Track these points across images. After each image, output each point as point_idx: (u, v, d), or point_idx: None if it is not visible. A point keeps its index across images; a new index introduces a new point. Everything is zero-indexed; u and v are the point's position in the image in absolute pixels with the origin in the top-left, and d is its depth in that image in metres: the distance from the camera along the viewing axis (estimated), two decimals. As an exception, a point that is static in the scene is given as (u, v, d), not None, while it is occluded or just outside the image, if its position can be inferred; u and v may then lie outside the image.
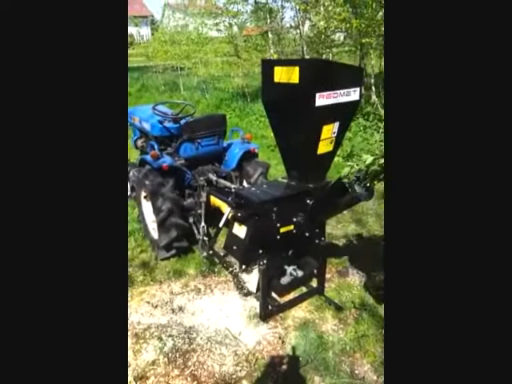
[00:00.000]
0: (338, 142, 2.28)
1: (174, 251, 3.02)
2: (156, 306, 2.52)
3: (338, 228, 3.50)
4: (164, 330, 2.29)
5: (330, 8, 6.63)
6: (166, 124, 3.44)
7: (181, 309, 2.50)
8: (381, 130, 5.39)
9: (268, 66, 2.20)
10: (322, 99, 2.00)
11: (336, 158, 2.37)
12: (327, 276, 2.65)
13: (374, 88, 7.88)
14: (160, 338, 2.22)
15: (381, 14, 6.62)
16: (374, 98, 7.77)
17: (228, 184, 3.10)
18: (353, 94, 2.15)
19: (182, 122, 3.43)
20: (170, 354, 2.12)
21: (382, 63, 10.29)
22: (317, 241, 2.43)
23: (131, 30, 21.76)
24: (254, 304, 2.49)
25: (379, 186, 4.15)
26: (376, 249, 3.02)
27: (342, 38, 8.66)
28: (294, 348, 2.16)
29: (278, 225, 2.23)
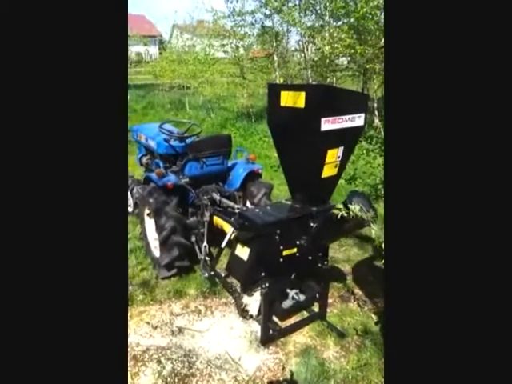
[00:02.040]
0: (343, 166, 2.29)
1: (175, 270, 3.00)
2: (156, 327, 2.48)
3: (341, 251, 3.48)
4: (163, 353, 2.25)
5: (334, 34, 6.80)
6: (172, 142, 3.48)
7: (180, 331, 2.46)
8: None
9: (274, 90, 2.24)
10: (328, 124, 2.02)
11: (339, 181, 2.39)
12: (329, 301, 2.62)
13: (376, 112, 7.98)
14: (159, 361, 2.18)
15: (383, 40, 6.79)
16: (376, 121, 7.87)
17: (231, 204, 3.10)
18: (357, 120, 2.17)
19: (188, 140, 3.48)
20: (168, 379, 2.07)
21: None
22: (320, 265, 2.41)
23: (140, 48, 22.30)
24: (254, 328, 2.45)
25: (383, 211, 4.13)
26: (379, 273, 2.99)
27: (345, 62, 8.84)
28: (294, 375, 2.11)
29: (281, 247, 2.21)
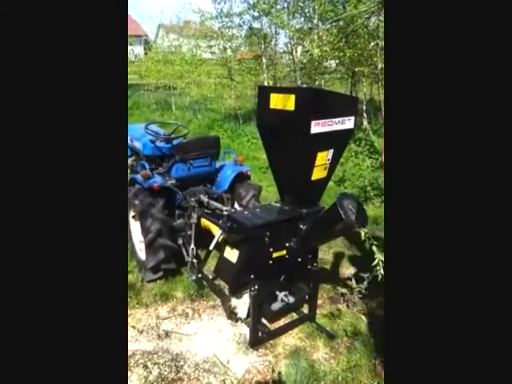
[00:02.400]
0: (332, 168, 2.30)
1: (161, 273, 2.95)
2: (142, 331, 2.43)
3: (330, 253, 3.49)
4: (150, 358, 2.20)
5: (323, 37, 6.86)
6: (158, 144, 3.43)
7: (167, 334, 2.41)
8: (372, 156, 5.50)
9: (264, 92, 2.23)
10: (318, 127, 2.02)
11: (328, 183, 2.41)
12: (318, 302, 2.62)
13: (365, 114, 8.08)
14: (145, 366, 2.13)
15: (372, 44, 6.87)
16: (365, 124, 7.96)
17: (219, 206, 3.08)
18: (347, 123, 2.18)
19: (175, 142, 3.43)
20: (155, 384, 2.03)
21: (373, 90, 10.60)
22: (309, 266, 2.41)
23: (125, 48, 21.99)
24: (243, 330, 2.43)
25: (373, 213, 4.17)
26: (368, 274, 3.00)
27: (333, 64, 8.93)
28: (284, 377, 2.09)
29: (271, 249, 2.20)
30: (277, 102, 2.11)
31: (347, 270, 3.25)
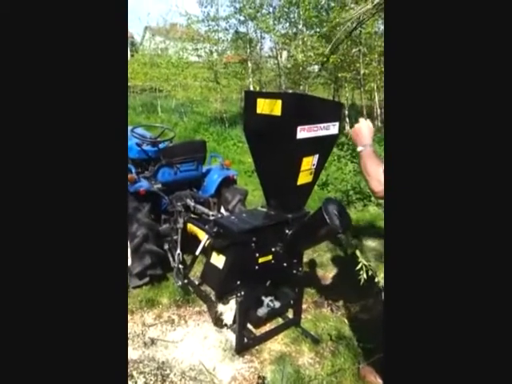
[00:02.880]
0: (318, 173, 2.32)
1: (147, 279, 2.91)
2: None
3: (314, 257, 3.51)
4: (135, 367, 2.17)
5: (308, 42, 6.93)
6: (144, 147, 3.40)
7: (153, 342, 2.38)
8: (354, 160, 5.58)
9: (251, 97, 2.24)
10: (303, 132, 2.05)
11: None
12: (303, 307, 2.63)
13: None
14: (131, 376, 2.09)
15: (355, 50, 7.00)
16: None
17: (206, 210, 3.06)
18: (332, 128, 2.21)
19: (161, 145, 3.41)
20: (139, 392, 2.00)
21: (355, 95, 10.77)
22: (294, 271, 2.42)
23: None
24: (229, 336, 2.42)
25: (355, 216, 4.22)
26: (351, 278, 3.04)
27: (316, 69, 9.03)
28: (270, 383, 2.09)
29: (257, 255, 2.21)
30: (263, 107, 2.12)
31: (330, 274, 3.28)
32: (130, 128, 3.56)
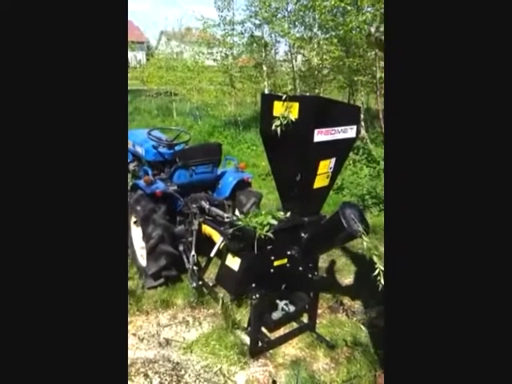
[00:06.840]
0: (334, 177, 2.31)
1: (162, 280, 2.93)
2: (142, 339, 2.41)
3: (329, 261, 3.48)
4: (151, 366, 2.18)
5: (324, 46, 6.91)
6: (161, 149, 3.44)
7: (168, 342, 2.39)
8: (370, 165, 5.51)
9: (268, 100, 2.24)
10: (321, 135, 2.04)
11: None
12: (318, 311, 2.60)
13: (363, 123, 8.10)
14: (146, 375, 2.11)
15: (370, 53, 6.93)
16: (363, 132, 7.98)
17: (220, 213, 3.07)
18: (349, 132, 2.20)
19: (177, 148, 3.44)
20: (154, 393, 2.01)
21: (370, 99, 10.67)
22: (310, 275, 2.40)
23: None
24: (243, 339, 2.41)
25: (371, 222, 4.17)
26: (368, 283, 2.99)
27: (331, 73, 8.99)
28: (284, 388, 2.07)
29: (272, 258, 2.20)
30: (280, 109, 2.12)
31: (346, 279, 3.24)
32: (146, 130, 3.62)
